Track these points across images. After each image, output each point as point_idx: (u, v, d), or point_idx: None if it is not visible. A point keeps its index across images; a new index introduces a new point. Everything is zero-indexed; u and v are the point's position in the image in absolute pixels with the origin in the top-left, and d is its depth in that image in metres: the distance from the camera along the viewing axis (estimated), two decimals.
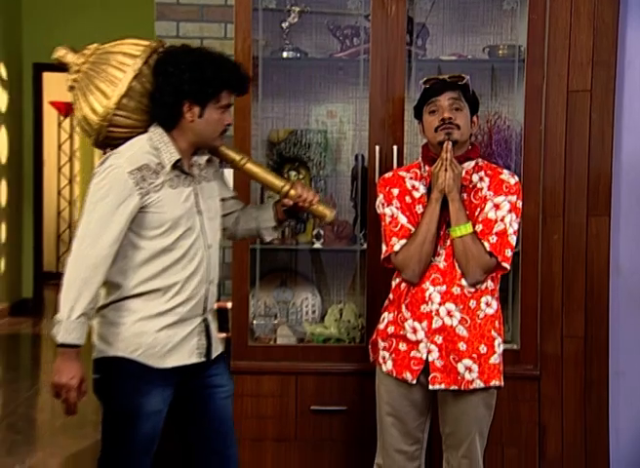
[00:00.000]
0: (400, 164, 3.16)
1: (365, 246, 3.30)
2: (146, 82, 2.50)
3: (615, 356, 3.29)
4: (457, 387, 2.69)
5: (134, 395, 2.45)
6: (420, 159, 2.85)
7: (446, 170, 2.68)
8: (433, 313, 2.70)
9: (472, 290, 2.72)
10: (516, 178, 2.81)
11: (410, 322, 2.73)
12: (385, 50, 3.20)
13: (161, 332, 2.47)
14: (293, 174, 3.55)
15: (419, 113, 2.82)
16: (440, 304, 2.70)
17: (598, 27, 3.22)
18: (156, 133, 2.50)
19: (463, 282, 2.71)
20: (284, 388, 3.23)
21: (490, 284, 2.75)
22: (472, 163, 2.79)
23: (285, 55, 3.38)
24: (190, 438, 2.61)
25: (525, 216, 3.10)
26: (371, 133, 3.24)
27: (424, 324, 2.71)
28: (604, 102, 3.24)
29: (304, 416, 3.23)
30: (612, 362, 3.27)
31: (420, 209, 2.77)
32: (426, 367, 2.71)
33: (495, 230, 2.71)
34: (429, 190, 2.75)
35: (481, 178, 2.79)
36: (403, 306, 2.75)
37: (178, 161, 2.49)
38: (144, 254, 2.45)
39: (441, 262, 2.72)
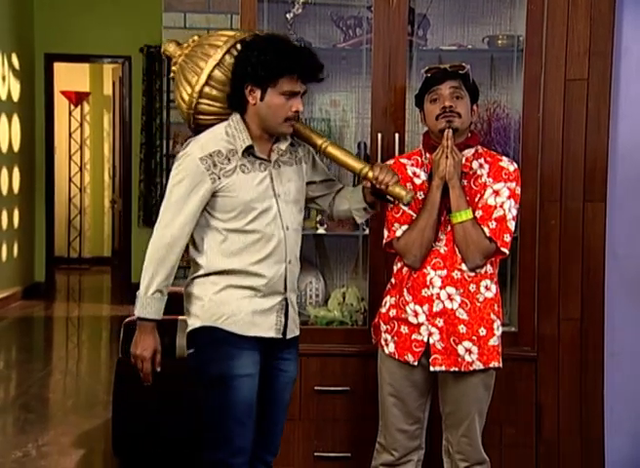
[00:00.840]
0: (402, 151, 3.15)
1: (367, 231, 3.30)
2: (228, 71, 2.54)
3: (610, 337, 3.29)
4: (457, 368, 2.70)
5: (224, 358, 2.51)
6: (421, 146, 2.85)
7: (447, 157, 2.67)
8: (434, 297, 2.70)
9: (472, 274, 2.71)
10: (515, 165, 2.80)
11: (411, 305, 2.73)
12: (387, 40, 3.18)
13: (242, 303, 2.53)
14: None
15: (420, 102, 2.81)
16: (441, 288, 2.70)
17: (595, 17, 3.20)
18: (234, 120, 2.55)
19: (464, 266, 2.70)
20: None
21: (489, 268, 2.75)
22: (472, 150, 2.78)
23: None
24: None
25: (523, 202, 3.06)
26: (373, 121, 3.23)
27: (425, 307, 2.71)
28: (600, 91, 3.22)
29: (309, 397, 3.23)
30: (607, 343, 3.27)
31: (421, 195, 2.76)
32: (427, 349, 2.72)
33: (494, 216, 2.70)
34: (430, 177, 2.75)
35: (481, 165, 2.78)
36: (405, 290, 2.75)
37: (250, 147, 2.52)
38: (219, 235, 2.53)
39: (442, 247, 2.72)
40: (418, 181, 2.79)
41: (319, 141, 2.67)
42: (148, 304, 2.49)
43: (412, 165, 2.82)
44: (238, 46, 2.55)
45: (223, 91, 2.55)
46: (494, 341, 2.72)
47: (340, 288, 3.50)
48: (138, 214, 8.27)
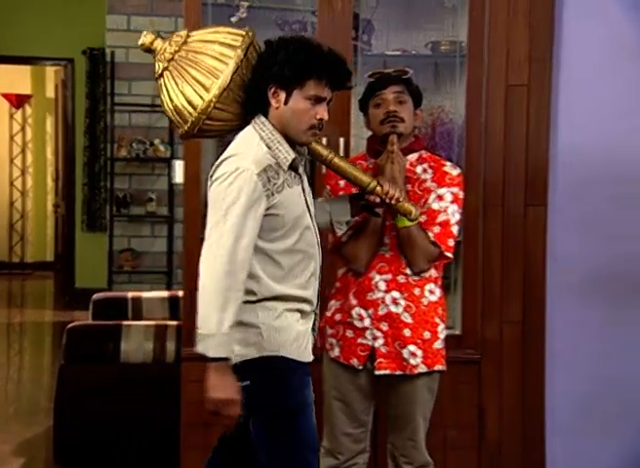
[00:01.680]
0: (347, 156, 3.14)
1: None
2: (244, 74, 2.35)
3: (551, 340, 3.32)
4: (402, 372, 2.70)
5: (299, 388, 2.37)
6: (366, 151, 2.85)
7: (392, 162, 2.67)
8: (379, 301, 2.70)
9: (417, 278, 2.72)
10: (458, 170, 2.82)
11: (356, 309, 2.72)
12: (332, 45, 3.06)
13: (299, 327, 2.39)
14: None
15: (364, 106, 2.81)
16: (386, 292, 2.70)
17: (534, 24, 3.23)
18: (264, 129, 2.35)
19: (408, 270, 2.71)
20: None
21: (433, 272, 2.76)
22: (416, 155, 2.80)
23: None
24: None
25: (466, 207, 3.08)
26: None
27: (370, 311, 2.71)
28: (540, 97, 3.26)
29: None
30: (549, 344, 3.31)
31: None
32: (372, 353, 2.71)
33: (438, 220, 2.71)
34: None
35: (425, 170, 2.79)
36: (350, 294, 2.75)
37: (294, 159, 2.36)
38: (267, 257, 2.33)
39: (387, 252, 2.72)
40: None
41: (324, 153, 2.54)
42: (225, 342, 2.23)
43: None
44: (251, 47, 2.37)
45: (239, 95, 2.35)
46: (438, 345, 2.73)
47: None
48: (81, 218, 8.14)
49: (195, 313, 3.18)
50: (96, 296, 4.19)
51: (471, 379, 3.25)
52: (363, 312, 2.71)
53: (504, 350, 3.29)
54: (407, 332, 2.69)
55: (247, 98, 2.36)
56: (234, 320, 2.25)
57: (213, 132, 2.43)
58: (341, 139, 3.17)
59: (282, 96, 2.32)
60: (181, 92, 2.35)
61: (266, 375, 2.35)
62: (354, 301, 2.73)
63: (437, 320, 2.74)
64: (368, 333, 2.71)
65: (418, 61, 3.39)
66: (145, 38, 2.41)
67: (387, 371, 2.70)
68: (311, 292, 2.42)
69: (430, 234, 2.69)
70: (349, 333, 2.74)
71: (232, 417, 2.28)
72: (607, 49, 3.32)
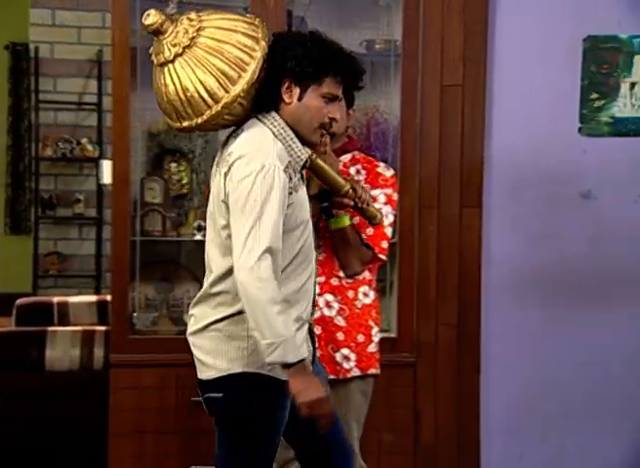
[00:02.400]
0: None
1: None
2: (261, 68, 2.27)
3: (487, 341, 3.40)
4: (335, 376, 2.73)
5: (274, 410, 2.27)
6: None
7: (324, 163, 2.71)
8: None
9: (350, 280, 2.77)
10: (392, 171, 2.87)
11: None
12: None
13: None
14: (173, 165, 3.53)
15: None
16: (319, 295, 2.72)
17: (468, 23, 3.29)
18: (277, 126, 2.27)
19: (342, 273, 2.76)
20: (164, 380, 3.20)
21: (367, 274, 2.81)
22: (349, 155, 2.85)
23: None
24: (297, 445, 2.48)
25: (401, 208, 3.16)
26: None
27: None
28: (475, 97, 3.33)
29: (184, 408, 3.20)
30: (483, 348, 3.38)
31: None
32: None
33: None
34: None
35: (358, 171, 2.84)
36: None
37: (306, 159, 2.31)
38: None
39: (320, 254, 2.74)
40: None
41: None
42: (297, 343, 2.16)
43: None
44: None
45: (256, 90, 2.27)
46: (372, 348, 2.78)
47: None
48: (4, 220, 7.99)
49: (124, 318, 3.24)
50: (19, 302, 4.13)
51: (407, 382, 3.31)
52: None
53: (440, 352, 3.36)
54: (340, 336, 2.74)
55: (258, 93, 2.28)
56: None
57: (224, 125, 2.33)
58: None
59: (296, 91, 2.26)
60: (201, 82, 2.22)
61: (240, 392, 2.28)
62: None
63: (371, 323, 2.79)
64: None
65: None
66: (155, 17, 2.26)
67: None
68: (309, 298, 2.35)
69: (364, 236, 2.75)
70: None
71: (329, 415, 2.21)
72: (540, 48, 3.41)
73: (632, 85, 3.46)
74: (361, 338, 2.76)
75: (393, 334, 3.33)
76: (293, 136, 2.28)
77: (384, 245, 2.79)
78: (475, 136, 3.35)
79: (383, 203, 2.79)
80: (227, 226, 2.24)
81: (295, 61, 2.24)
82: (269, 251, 2.13)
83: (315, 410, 2.17)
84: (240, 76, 2.22)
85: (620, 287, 3.52)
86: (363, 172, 2.84)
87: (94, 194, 6.13)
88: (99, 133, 5.94)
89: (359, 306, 2.78)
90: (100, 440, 3.24)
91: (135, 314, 3.37)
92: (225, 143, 2.34)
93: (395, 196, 2.84)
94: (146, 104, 3.43)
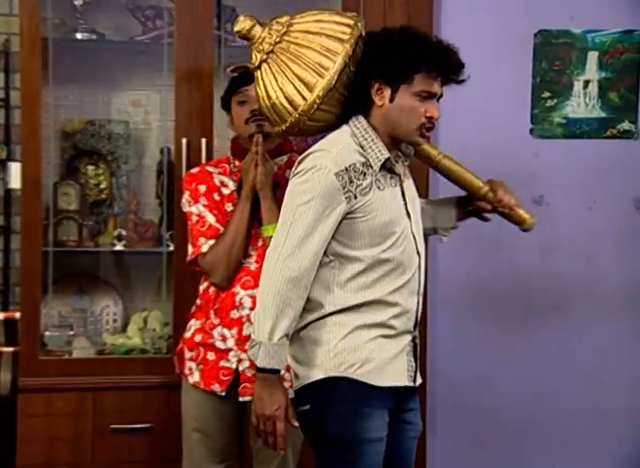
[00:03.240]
0: (209, 158, 3.12)
1: (172, 247, 3.24)
2: (351, 71, 2.29)
3: (433, 358, 3.38)
4: None
5: (355, 418, 2.24)
6: (230, 153, 2.83)
7: (257, 165, 2.66)
8: (244, 319, 2.67)
9: None
10: None
11: (219, 329, 2.69)
12: (191, 34, 3.14)
13: (375, 345, 2.26)
14: (91, 168, 3.48)
15: (227, 104, 2.79)
16: (251, 309, 2.65)
17: (413, 15, 3.26)
18: (359, 126, 2.29)
19: None
20: (80, 406, 3.13)
21: None
22: (285, 157, 2.80)
23: (79, 36, 3.29)
24: None
25: None
26: (177, 124, 3.18)
27: (234, 331, 2.67)
28: None
29: (103, 437, 3.13)
30: (430, 364, 3.35)
31: (229, 207, 2.74)
32: (237, 377, 2.68)
33: None
34: (240, 187, 2.72)
35: None
36: (212, 312, 2.71)
37: (387, 160, 2.29)
38: (353, 267, 2.25)
39: (252, 264, 2.70)
40: (226, 191, 2.76)
41: (434, 153, 2.52)
42: (276, 352, 2.19)
43: (219, 173, 2.79)
44: (359, 40, 2.31)
45: (343, 94, 2.30)
46: None
47: (142, 311, 3.44)
48: None
49: (35, 337, 3.15)
50: None
51: None
52: (226, 332, 2.68)
53: None
54: None
55: (349, 97, 2.31)
56: (289, 331, 2.22)
57: (312, 131, 2.39)
58: (203, 140, 3.14)
59: (387, 92, 2.26)
60: (281, 89, 2.31)
61: (323, 400, 2.27)
62: (216, 320, 2.69)
63: None
64: (232, 356, 2.67)
65: None
66: (244, 23, 2.37)
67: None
68: (404, 303, 2.32)
69: None
70: (211, 356, 2.69)
71: (280, 434, 2.26)
72: (489, 43, 3.42)
73: (586, 83, 3.50)
74: None
75: None
76: (375, 137, 2.28)
77: None
78: None
79: None
80: None
81: (381, 61, 2.25)
82: (295, 252, 2.20)
83: (264, 425, 2.25)
84: (318, 81, 2.26)
85: (572, 299, 3.54)
86: None
87: (0, 200, 5.95)
88: (6, 131, 5.76)
89: None
90: None
91: (47, 333, 3.30)
92: None
93: None
94: (60, 101, 3.41)
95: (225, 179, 2.78)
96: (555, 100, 3.47)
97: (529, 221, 2.58)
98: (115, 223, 3.40)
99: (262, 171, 2.65)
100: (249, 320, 2.66)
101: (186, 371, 2.75)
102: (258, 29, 2.37)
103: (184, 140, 3.13)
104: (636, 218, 3.56)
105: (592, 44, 3.46)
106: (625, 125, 3.51)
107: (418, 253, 2.36)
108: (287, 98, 2.30)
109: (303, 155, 2.28)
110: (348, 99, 2.31)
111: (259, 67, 2.37)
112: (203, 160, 3.09)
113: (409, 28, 2.31)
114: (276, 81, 2.33)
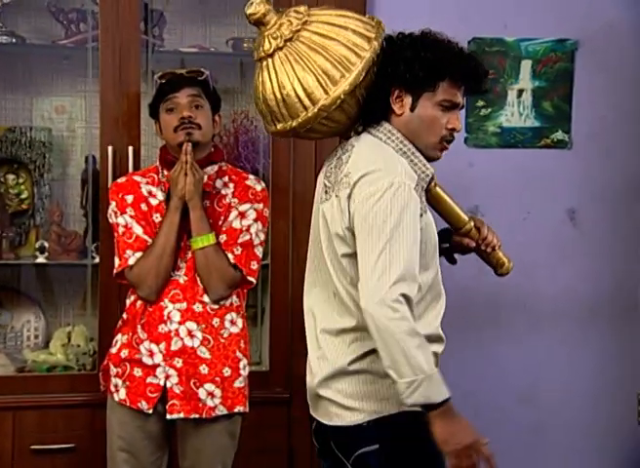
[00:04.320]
0: (137, 167, 3.12)
1: (97, 260, 3.23)
2: (373, 73, 2.20)
3: None
4: (197, 415, 2.69)
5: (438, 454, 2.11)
6: (158, 162, 2.84)
7: (186, 174, 2.67)
8: (172, 333, 2.69)
9: (216, 306, 2.73)
10: (263, 185, 2.86)
11: (146, 344, 2.70)
12: (117, 38, 3.13)
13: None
14: (11, 177, 3.44)
15: (155, 111, 2.80)
16: (180, 323, 2.69)
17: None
18: (393, 138, 2.21)
19: (206, 298, 2.72)
20: None
21: (235, 300, 2.78)
22: (215, 167, 2.82)
23: None
24: None
25: (273, 226, 3.15)
26: (103, 131, 3.17)
27: (162, 346, 2.69)
28: None
29: (23, 458, 3.10)
30: None
31: (157, 218, 2.75)
32: (164, 394, 2.69)
33: (239, 241, 2.74)
34: (168, 197, 2.74)
35: (225, 184, 2.81)
36: (139, 327, 2.72)
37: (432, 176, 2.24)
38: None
39: (181, 277, 2.72)
40: (154, 202, 2.77)
41: None
42: (441, 380, 2.05)
43: (147, 183, 2.80)
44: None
45: (362, 96, 2.21)
46: (239, 383, 2.75)
47: (65, 326, 3.42)
48: None
49: None
50: None
51: (280, 422, 3.27)
52: (154, 347, 2.69)
53: None
54: (204, 369, 2.69)
55: (366, 102, 2.22)
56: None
57: (319, 134, 2.29)
58: (130, 148, 3.13)
59: (407, 100, 2.20)
60: (299, 79, 2.19)
61: (404, 435, 2.17)
62: (143, 335, 2.70)
63: (239, 354, 2.75)
64: (159, 372, 2.68)
65: (218, 60, 3.43)
66: (258, 7, 2.25)
67: (181, 415, 2.68)
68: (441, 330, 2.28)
69: (231, 256, 2.71)
70: (137, 372, 2.70)
71: (488, 455, 2.09)
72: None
73: (520, 92, 3.55)
74: (227, 372, 2.72)
75: (265, 368, 3.31)
76: (414, 149, 2.21)
77: (254, 266, 2.76)
78: None
79: (253, 219, 2.77)
80: (353, 255, 2.16)
81: (403, 67, 2.18)
82: (403, 278, 2.04)
83: (467, 454, 2.07)
84: (343, 76, 2.17)
85: (509, 314, 3.59)
86: (231, 185, 2.82)
87: None
88: None
89: (225, 336, 2.74)
90: None
91: None
92: (333, 165, 2.28)
93: (266, 212, 2.83)
94: None
95: (153, 189, 2.79)
96: (489, 109, 3.52)
97: (507, 265, 2.58)
98: (37, 235, 3.37)
99: (192, 180, 2.66)
100: (177, 334, 2.68)
101: (112, 389, 2.75)
102: (272, 15, 2.26)
103: (110, 148, 3.12)
104: (570, 229, 3.61)
105: (525, 52, 3.51)
106: (559, 135, 3.57)
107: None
108: (305, 90, 2.19)
109: (362, 178, 2.13)
110: (366, 105, 2.24)
111: (271, 55, 2.24)
112: (130, 169, 3.09)
113: (430, 33, 2.26)
114: (294, 71, 2.20)
